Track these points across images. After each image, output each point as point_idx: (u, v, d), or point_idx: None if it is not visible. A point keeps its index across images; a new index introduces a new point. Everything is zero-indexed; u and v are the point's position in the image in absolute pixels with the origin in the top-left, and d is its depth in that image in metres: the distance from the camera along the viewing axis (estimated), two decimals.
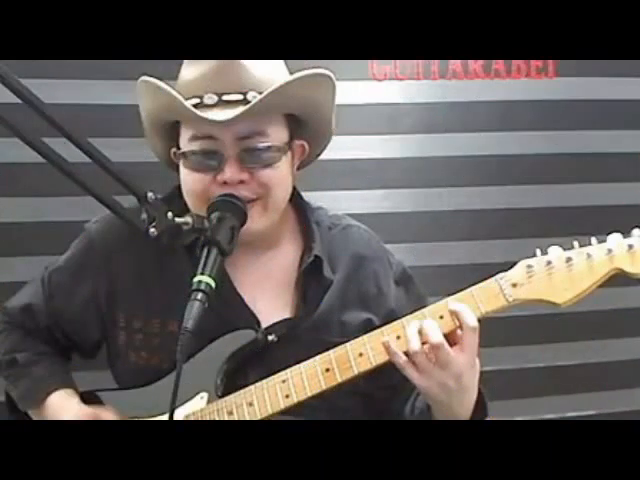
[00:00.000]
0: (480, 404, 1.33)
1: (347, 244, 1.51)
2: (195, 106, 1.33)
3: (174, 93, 1.32)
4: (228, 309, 1.39)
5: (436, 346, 1.25)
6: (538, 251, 1.33)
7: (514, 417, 2.22)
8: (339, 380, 1.32)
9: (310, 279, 1.44)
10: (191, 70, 1.37)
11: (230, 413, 1.35)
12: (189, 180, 1.38)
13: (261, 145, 1.35)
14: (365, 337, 1.33)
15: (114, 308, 1.45)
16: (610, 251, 1.30)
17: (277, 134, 1.37)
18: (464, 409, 1.31)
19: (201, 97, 1.34)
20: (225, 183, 1.33)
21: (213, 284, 1.16)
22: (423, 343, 1.26)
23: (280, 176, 1.38)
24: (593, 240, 1.33)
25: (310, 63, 1.37)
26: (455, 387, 1.27)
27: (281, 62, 1.43)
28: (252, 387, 1.35)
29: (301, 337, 1.41)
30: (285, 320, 1.42)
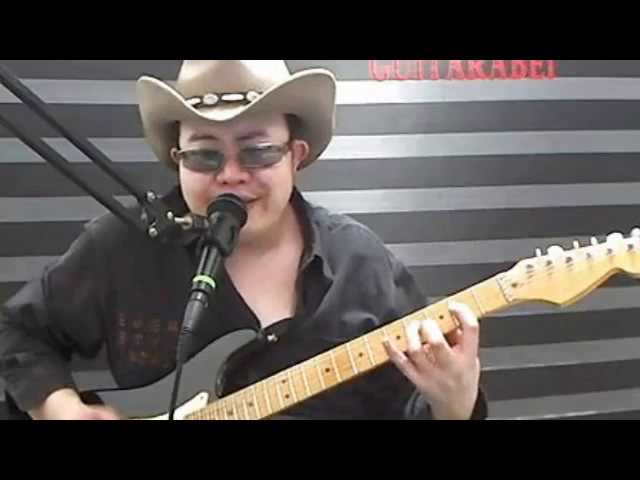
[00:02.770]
0: (480, 404, 1.33)
1: (347, 244, 1.51)
2: (195, 106, 1.33)
3: (174, 93, 1.32)
4: (228, 309, 1.39)
5: (436, 346, 1.25)
6: (538, 251, 1.33)
7: (514, 417, 2.22)
8: (339, 380, 1.32)
9: (310, 279, 1.44)
10: (191, 70, 1.37)
11: (230, 413, 1.35)
12: (189, 180, 1.38)
13: (261, 145, 1.35)
14: (365, 337, 1.33)
15: (114, 308, 1.46)
16: (610, 251, 1.30)
17: (277, 134, 1.37)
18: (464, 409, 1.31)
19: (201, 97, 1.34)
20: (225, 183, 1.33)
21: (213, 284, 1.16)
22: (423, 343, 1.26)
23: (280, 176, 1.38)
24: (593, 240, 1.33)
25: (310, 63, 1.37)
26: (455, 387, 1.27)
27: (281, 62, 1.43)
28: (252, 387, 1.35)
29: (301, 337, 1.41)
30: (285, 320, 1.42)
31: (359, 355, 1.32)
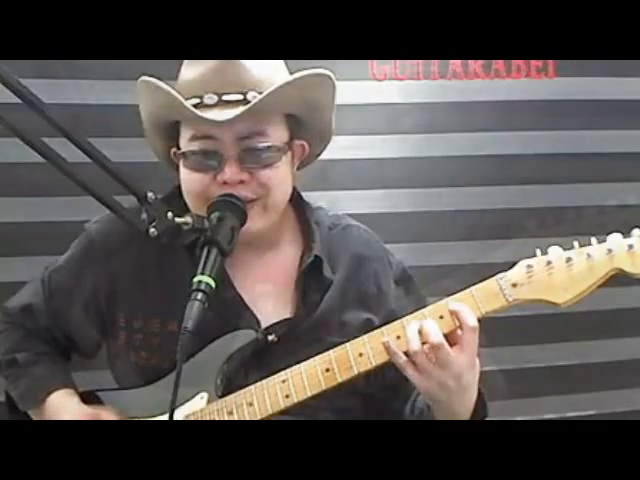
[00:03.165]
0: (480, 404, 1.33)
1: (347, 244, 1.51)
2: (195, 106, 1.33)
3: (174, 93, 1.32)
4: (228, 309, 1.39)
5: (436, 346, 1.25)
6: (538, 251, 1.33)
7: (514, 417, 2.22)
8: (339, 380, 1.32)
9: (310, 279, 1.44)
10: (191, 70, 1.37)
11: (230, 413, 1.35)
12: (189, 180, 1.38)
13: (261, 145, 1.35)
14: (365, 337, 1.33)
15: (114, 308, 1.45)
16: (610, 251, 1.30)
17: (277, 134, 1.37)
18: (464, 409, 1.31)
19: (201, 97, 1.34)
20: (225, 183, 1.33)
21: (213, 284, 1.16)
22: (423, 343, 1.26)
23: (280, 176, 1.38)
24: (593, 240, 1.33)
25: (310, 63, 1.37)
26: (455, 387, 1.27)
27: (281, 62, 1.43)
28: (252, 387, 1.35)
29: (301, 337, 1.41)
30: (285, 320, 1.42)
31: (359, 355, 1.32)
